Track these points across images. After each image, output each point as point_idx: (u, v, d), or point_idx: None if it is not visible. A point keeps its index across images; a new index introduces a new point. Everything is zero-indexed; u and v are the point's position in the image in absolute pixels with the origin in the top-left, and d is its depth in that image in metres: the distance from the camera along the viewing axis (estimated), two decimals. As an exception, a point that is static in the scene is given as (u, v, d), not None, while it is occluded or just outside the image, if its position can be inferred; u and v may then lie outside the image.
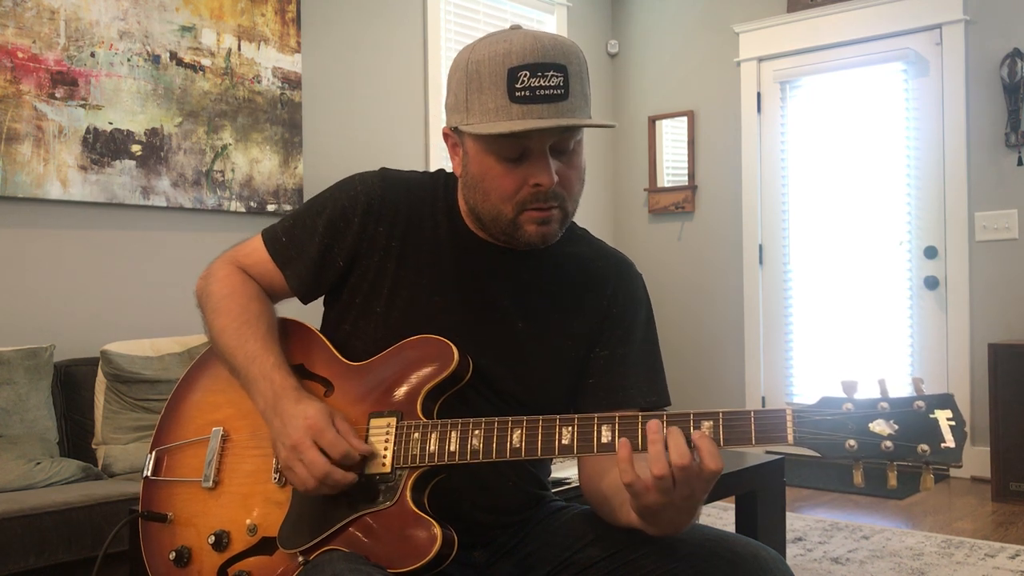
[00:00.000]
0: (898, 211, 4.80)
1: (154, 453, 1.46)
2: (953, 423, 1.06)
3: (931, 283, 4.67)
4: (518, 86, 1.24)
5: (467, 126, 1.29)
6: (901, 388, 1.04)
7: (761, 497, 2.63)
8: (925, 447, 1.06)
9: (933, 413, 1.06)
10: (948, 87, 4.59)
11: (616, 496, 1.27)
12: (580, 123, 1.26)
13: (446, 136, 1.38)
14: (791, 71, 5.11)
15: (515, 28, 1.32)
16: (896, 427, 1.07)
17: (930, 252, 4.68)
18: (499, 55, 1.26)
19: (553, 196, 1.30)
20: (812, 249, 5.11)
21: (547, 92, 1.25)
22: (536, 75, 1.24)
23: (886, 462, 1.08)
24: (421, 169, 1.84)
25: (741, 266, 5.31)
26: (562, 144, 1.29)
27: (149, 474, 1.45)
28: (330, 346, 1.40)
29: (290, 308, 1.49)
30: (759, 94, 5.25)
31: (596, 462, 1.36)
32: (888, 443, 1.07)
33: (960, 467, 1.05)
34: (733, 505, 2.78)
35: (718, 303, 5.39)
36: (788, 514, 3.44)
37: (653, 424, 1.13)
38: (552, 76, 1.25)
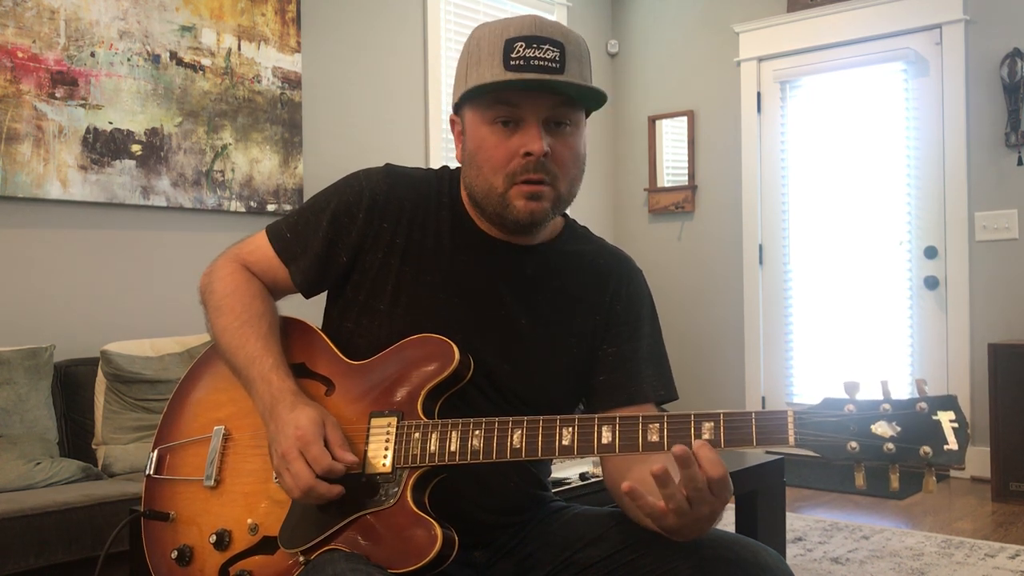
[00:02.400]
0: (898, 211, 4.80)
1: (156, 451, 1.46)
2: (956, 425, 1.05)
3: (931, 283, 4.68)
4: (513, 55, 1.28)
5: (463, 93, 1.32)
6: (902, 389, 1.04)
7: (761, 497, 2.63)
8: (927, 449, 1.05)
9: (936, 415, 1.06)
10: (948, 87, 4.59)
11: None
12: (566, 81, 1.28)
13: (453, 123, 1.41)
14: (791, 71, 5.11)
15: None
16: (898, 429, 1.07)
17: (930, 252, 4.68)
18: (498, 30, 1.31)
19: (544, 169, 1.31)
20: (812, 249, 5.11)
21: (541, 63, 1.28)
22: (532, 46, 1.28)
23: (888, 464, 1.08)
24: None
25: (741, 266, 5.31)
26: (557, 116, 1.31)
27: (151, 472, 1.45)
28: (331, 345, 1.40)
29: (292, 304, 1.50)
30: (759, 94, 5.25)
31: (618, 461, 1.36)
32: (890, 445, 1.06)
33: (963, 469, 1.04)
34: (733, 505, 2.78)
35: (718, 303, 5.39)
36: (788, 514, 3.44)
37: (659, 465, 1.12)
38: (548, 49, 1.28)
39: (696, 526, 1.16)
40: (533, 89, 1.29)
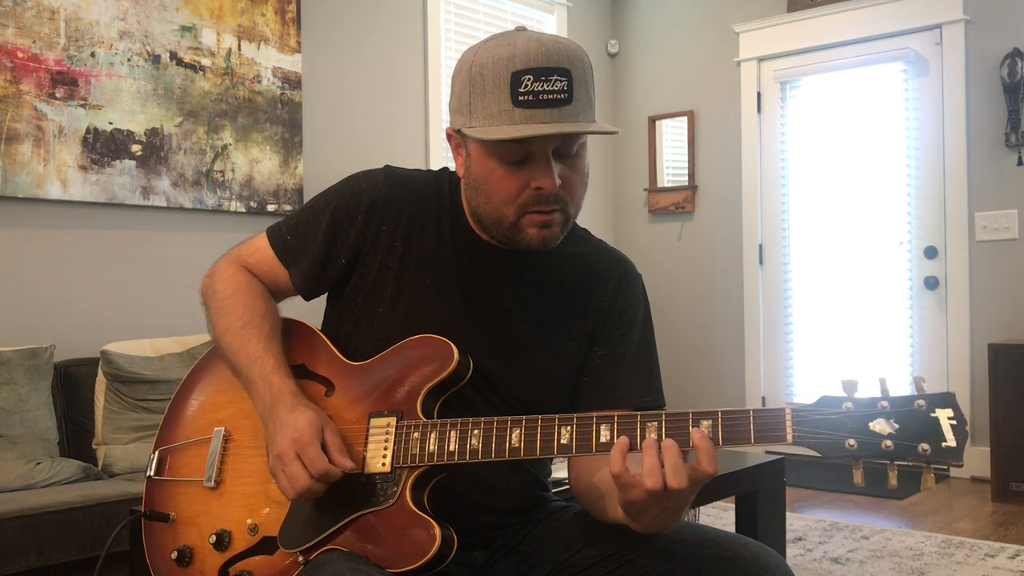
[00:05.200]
0: (898, 211, 4.80)
1: (157, 453, 1.47)
2: (954, 422, 1.05)
3: (931, 283, 4.67)
4: (521, 90, 1.24)
5: (470, 129, 1.28)
6: (902, 388, 1.04)
7: (761, 497, 2.62)
8: (926, 446, 1.05)
9: (934, 412, 1.06)
10: (948, 87, 4.59)
11: (607, 491, 1.27)
12: (583, 129, 1.26)
13: (449, 136, 1.38)
14: (791, 71, 5.11)
15: (520, 30, 1.31)
16: (896, 426, 1.06)
17: (930, 252, 4.68)
18: (503, 59, 1.25)
19: (555, 199, 1.30)
20: (812, 249, 5.11)
21: (550, 96, 1.24)
22: (540, 79, 1.24)
23: (886, 462, 1.08)
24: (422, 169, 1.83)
25: (741, 266, 5.31)
26: (565, 148, 1.29)
27: (152, 474, 1.46)
28: (331, 346, 1.40)
29: (293, 306, 1.50)
30: (759, 94, 5.25)
31: (586, 460, 1.35)
32: (888, 442, 1.06)
33: (961, 466, 1.04)
34: (733, 505, 2.78)
35: (718, 303, 5.39)
36: (788, 514, 3.44)
37: (650, 441, 1.13)
38: (556, 80, 1.24)
39: (662, 515, 1.16)
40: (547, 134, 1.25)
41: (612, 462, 1.13)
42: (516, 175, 1.29)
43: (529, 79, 1.24)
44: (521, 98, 1.24)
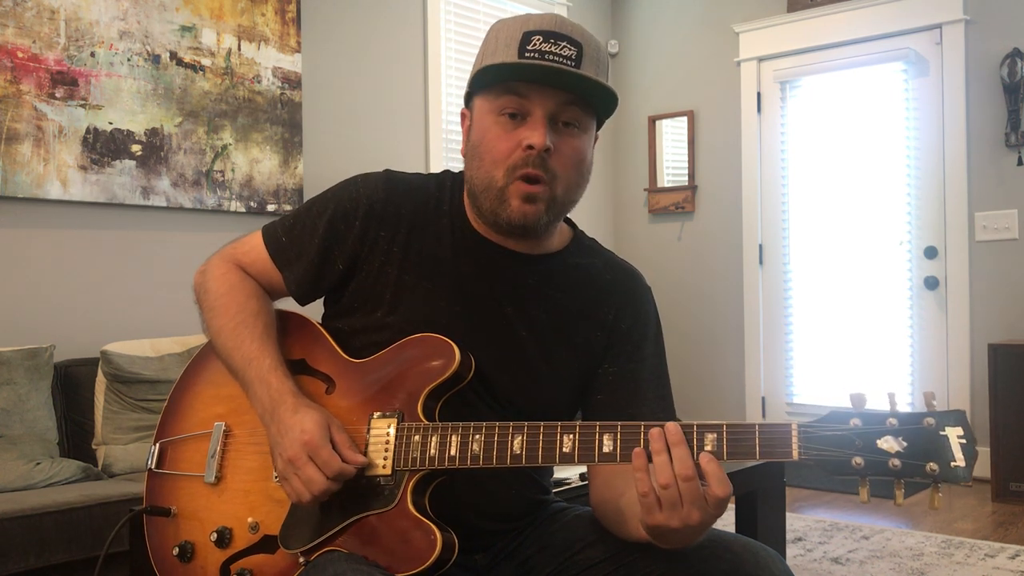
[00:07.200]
0: (898, 211, 4.80)
1: (158, 445, 1.46)
2: (964, 441, 1.02)
3: (931, 283, 4.67)
4: (529, 47, 1.26)
5: (472, 78, 1.32)
6: (903, 391, 1.03)
7: (761, 497, 2.62)
8: (934, 466, 1.02)
9: (943, 430, 1.03)
10: (948, 87, 4.59)
11: (628, 509, 1.26)
12: (575, 72, 1.25)
13: (463, 117, 1.39)
14: (791, 71, 5.11)
15: None
16: (905, 444, 1.04)
17: (930, 252, 4.68)
18: (518, 23, 1.29)
19: (543, 165, 1.28)
20: (812, 249, 5.11)
21: (557, 59, 1.25)
22: (549, 41, 1.26)
23: (893, 479, 1.05)
24: (421, 169, 1.83)
25: (741, 266, 5.31)
26: (565, 115, 1.29)
27: (153, 466, 1.45)
28: (332, 342, 1.39)
29: (290, 304, 1.49)
30: (759, 94, 5.25)
31: (608, 481, 1.34)
32: (896, 461, 1.04)
33: (970, 486, 1.02)
34: (733, 505, 2.78)
35: (718, 303, 5.39)
36: (788, 514, 3.44)
37: (655, 432, 1.11)
38: (565, 47, 1.26)
39: (685, 532, 1.14)
40: (546, 84, 1.27)
41: (638, 483, 1.12)
42: (510, 135, 1.29)
43: (539, 39, 1.26)
44: (527, 54, 1.26)
